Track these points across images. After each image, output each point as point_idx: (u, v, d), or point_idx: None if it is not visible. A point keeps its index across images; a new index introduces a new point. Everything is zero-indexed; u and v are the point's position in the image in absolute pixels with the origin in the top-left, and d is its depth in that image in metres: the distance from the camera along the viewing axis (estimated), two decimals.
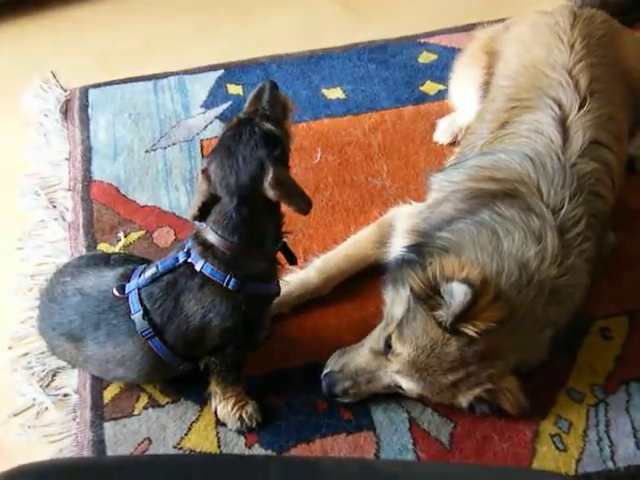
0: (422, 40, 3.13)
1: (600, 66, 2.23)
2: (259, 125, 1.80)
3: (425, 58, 3.05)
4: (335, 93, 2.92)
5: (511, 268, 1.88)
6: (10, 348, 2.26)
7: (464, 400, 1.94)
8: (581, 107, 2.12)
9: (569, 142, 2.08)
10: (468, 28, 2.88)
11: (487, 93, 2.46)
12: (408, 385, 1.94)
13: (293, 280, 2.24)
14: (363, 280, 2.32)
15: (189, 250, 1.89)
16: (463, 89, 2.65)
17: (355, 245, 2.33)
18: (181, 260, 1.89)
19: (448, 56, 3.00)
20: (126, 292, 1.91)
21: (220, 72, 3.03)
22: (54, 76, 3.06)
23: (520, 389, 1.92)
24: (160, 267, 1.91)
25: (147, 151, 2.73)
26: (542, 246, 1.93)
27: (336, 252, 2.32)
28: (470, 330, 1.79)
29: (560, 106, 2.13)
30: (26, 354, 2.22)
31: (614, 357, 2.15)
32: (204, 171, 1.82)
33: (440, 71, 2.95)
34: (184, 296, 1.88)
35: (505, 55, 2.44)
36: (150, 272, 1.91)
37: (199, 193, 1.83)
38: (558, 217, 1.97)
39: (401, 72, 2.99)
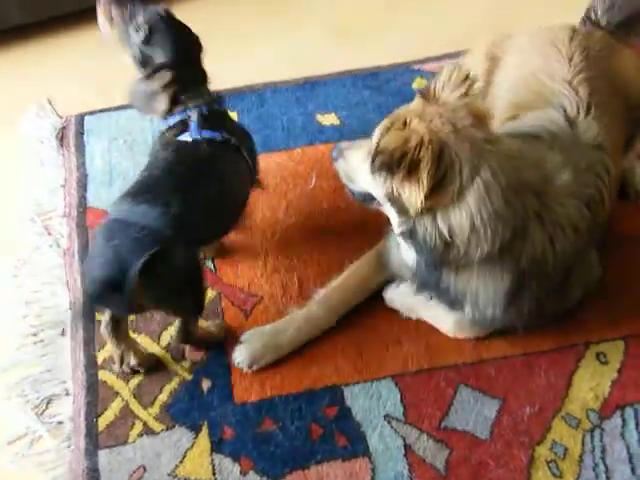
0: (416, 66, 3.15)
1: (598, 79, 2.25)
2: None
3: (419, 84, 3.07)
4: (330, 119, 2.94)
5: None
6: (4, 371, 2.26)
7: None
8: (587, 114, 2.15)
9: (579, 138, 2.12)
10: (461, 54, 2.90)
11: (485, 101, 2.47)
12: None
13: (298, 317, 2.24)
14: (359, 307, 2.32)
15: None
16: None
17: (355, 275, 2.33)
18: None
19: None
20: None
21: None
22: (50, 103, 3.08)
23: None
24: None
25: None
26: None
27: (337, 284, 2.31)
28: None
29: (565, 111, 2.16)
30: (21, 381, 2.22)
31: (610, 382, 2.15)
32: None
33: None
34: None
35: (505, 64, 2.46)
36: None
37: None
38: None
39: (395, 98, 3.00)
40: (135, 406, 2.14)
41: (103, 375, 2.21)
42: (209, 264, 2.42)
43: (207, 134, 2.16)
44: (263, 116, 2.98)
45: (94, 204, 2.66)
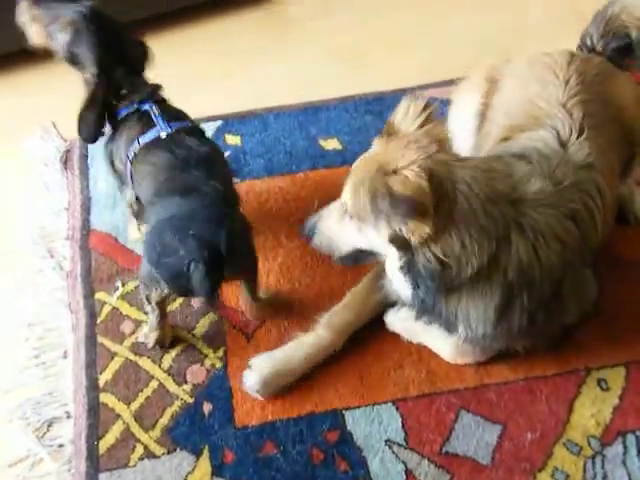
0: (417, 92, 3.18)
1: (593, 103, 2.26)
2: None
3: None
4: (332, 144, 2.96)
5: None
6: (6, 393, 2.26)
7: None
8: (579, 135, 2.16)
9: (568, 157, 2.12)
10: (461, 80, 2.92)
11: (483, 124, 2.50)
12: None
13: (305, 341, 2.24)
14: (361, 331, 2.32)
15: None
16: (461, 113, 2.67)
17: (358, 296, 2.33)
18: None
19: (442, 108, 3.04)
20: None
21: (219, 123, 3.08)
22: (54, 126, 3.11)
23: None
24: None
25: None
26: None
27: (341, 306, 2.31)
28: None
29: (558, 132, 2.17)
30: (22, 404, 2.22)
31: (611, 408, 2.15)
32: None
33: None
34: None
35: (503, 88, 2.48)
36: None
37: None
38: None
39: None
40: (136, 429, 2.14)
41: (104, 398, 2.21)
42: None
43: (176, 125, 2.27)
44: (266, 140, 3.00)
45: (97, 227, 2.68)
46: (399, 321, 2.29)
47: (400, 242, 1.90)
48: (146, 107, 2.32)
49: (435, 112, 2.02)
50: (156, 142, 2.26)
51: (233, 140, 3.00)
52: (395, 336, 2.30)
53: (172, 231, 2.02)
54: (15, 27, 3.23)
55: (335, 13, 3.81)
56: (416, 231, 1.85)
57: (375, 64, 3.41)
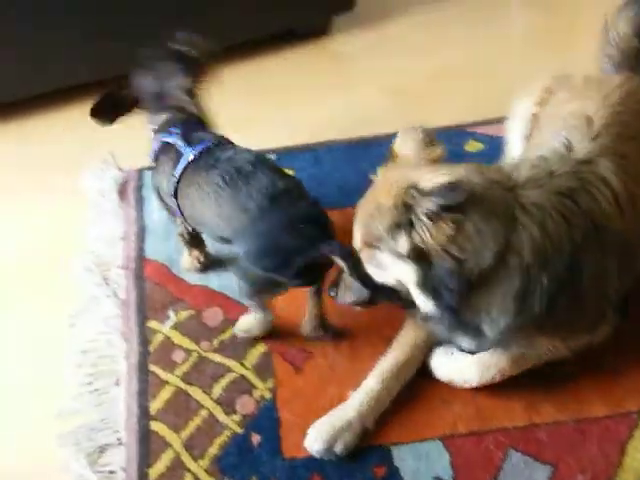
0: (469, 129, 3.20)
1: (626, 115, 2.26)
2: None
3: (472, 146, 3.12)
4: None
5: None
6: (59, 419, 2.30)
7: None
8: (592, 140, 2.16)
9: (570, 156, 2.14)
10: None
11: (531, 134, 2.52)
12: None
13: (358, 398, 2.20)
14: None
15: None
16: (514, 120, 2.71)
17: (405, 344, 2.31)
18: None
19: (494, 145, 3.06)
20: None
21: (272, 156, 3.12)
22: (112, 157, 3.19)
23: None
24: None
25: None
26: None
27: (390, 357, 2.28)
28: None
29: (569, 140, 2.18)
30: (75, 430, 2.26)
31: None
32: None
33: (486, 159, 2.98)
34: None
35: (552, 101, 2.50)
36: None
37: None
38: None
39: (448, 160, 3.02)
40: (186, 458, 2.16)
41: (155, 426, 2.24)
42: None
43: (200, 147, 2.39)
44: (318, 174, 3.04)
45: (152, 256, 2.73)
46: (438, 366, 2.28)
47: (417, 254, 1.93)
48: (169, 139, 2.44)
49: (432, 137, 2.13)
50: (193, 168, 2.36)
51: None
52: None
53: (286, 233, 2.14)
54: (74, 62, 3.37)
55: (388, 51, 3.87)
56: (439, 232, 1.88)
57: (426, 101, 3.44)
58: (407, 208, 1.91)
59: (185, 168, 2.37)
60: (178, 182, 2.38)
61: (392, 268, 2.05)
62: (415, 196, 1.89)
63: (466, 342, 2.19)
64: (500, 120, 3.16)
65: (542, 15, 4.15)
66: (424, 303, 2.06)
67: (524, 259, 1.96)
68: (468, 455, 2.12)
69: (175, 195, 2.40)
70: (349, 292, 2.21)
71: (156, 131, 2.54)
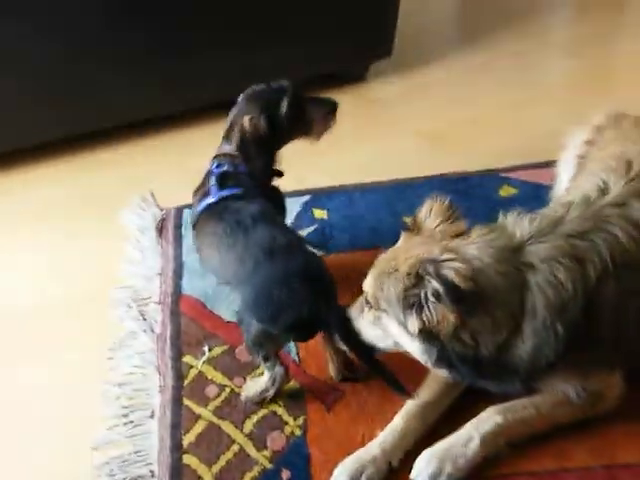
0: (503, 174, 3.24)
1: None
2: None
3: (506, 191, 3.15)
4: None
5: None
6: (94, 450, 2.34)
7: None
8: (627, 183, 2.17)
9: (606, 195, 2.15)
10: (549, 164, 2.96)
11: (578, 173, 2.55)
12: None
13: (385, 435, 2.21)
14: None
15: None
16: (565, 158, 2.75)
17: (434, 383, 2.33)
18: None
19: (528, 190, 3.10)
20: None
21: (307, 197, 3.20)
22: (152, 195, 3.28)
23: None
24: None
25: None
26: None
27: (420, 395, 2.29)
28: None
29: (605, 182, 2.19)
30: (110, 461, 2.29)
31: None
32: None
33: (520, 204, 3.00)
34: None
35: (601, 141, 2.53)
36: None
37: None
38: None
39: (482, 203, 3.07)
40: None
41: (187, 459, 2.26)
42: (293, 355, 2.49)
43: (226, 192, 2.50)
44: (352, 216, 3.09)
45: (188, 292, 2.79)
46: None
47: (427, 335, 1.98)
48: (212, 173, 2.56)
49: (456, 211, 2.16)
50: (209, 212, 2.48)
51: (320, 214, 3.11)
52: (471, 412, 2.28)
53: (278, 287, 2.16)
54: (114, 103, 3.49)
55: (423, 97, 3.95)
56: (447, 323, 1.92)
57: (461, 146, 3.50)
58: (419, 281, 1.95)
59: (205, 208, 2.49)
60: (197, 218, 2.52)
61: (399, 338, 2.11)
62: (429, 272, 1.93)
63: (492, 387, 2.20)
64: (533, 166, 3.22)
65: (577, 63, 4.21)
66: (436, 370, 2.13)
67: (538, 318, 1.99)
68: None
69: (193, 226, 2.55)
70: None
71: (215, 156, 2.63)
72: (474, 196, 3.13)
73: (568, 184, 2.61)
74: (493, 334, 1.99)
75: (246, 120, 2.56)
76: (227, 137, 2.63)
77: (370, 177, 3.29)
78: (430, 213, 2.17)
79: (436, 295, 1.91)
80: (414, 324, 1.97)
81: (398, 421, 2.23)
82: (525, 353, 2.02)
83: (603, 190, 2.18)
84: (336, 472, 2.14)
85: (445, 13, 5.02)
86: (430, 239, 2.09)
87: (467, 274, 1.92)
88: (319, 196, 3.22)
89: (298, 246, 2.33)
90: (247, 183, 2.53)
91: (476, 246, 2.02)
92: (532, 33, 4.55)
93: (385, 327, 2.13)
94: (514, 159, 3.32)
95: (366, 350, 2.21)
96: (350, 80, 4.03)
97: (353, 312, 2.24)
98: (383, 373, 2.21)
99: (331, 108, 2.67)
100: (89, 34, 3.36)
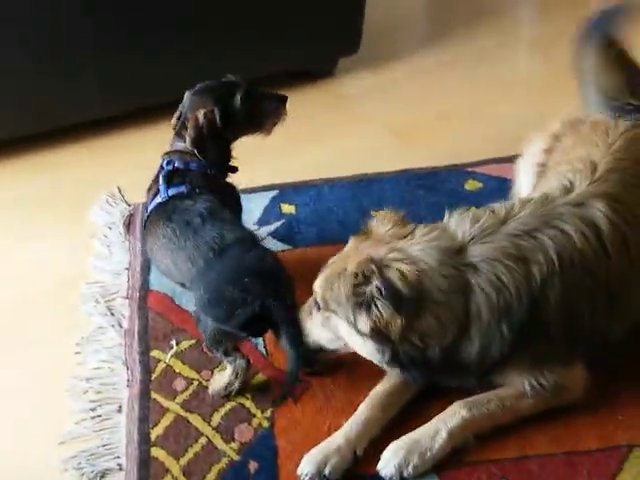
0: (469, 169, 3.28)
1: (630, 162, 2.32)
2: None
3: (471, 185, 3.19)
4: None
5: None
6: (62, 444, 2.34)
7: None
8: (590, 184, 2.22)
9: (568, 195, 2.20)
10: (513, 158, 3.00)
11: (539, 182, 2.57)
12: None
13: (350, 424, 2.23)
14: None
15: None
16: (523, 167, 2.78)
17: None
18: None
19: (493, 184, 3.14)
20: None
21: (275, 192, 3.21)
22: (120, 191, 3.29)
23: None
24: None
25: None
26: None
27: (382, 382, 2.32)
28: None
29: (571, 183, 2.24)
30: (77, 455, 2.30)
31: None
32: None
33: (485, 198, 3.03)
34: None
35: (559, 148, 2.57)
36: None
37: None
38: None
39: (448, 198, 3.10)
40: None
41: (155, 452, 2.27)
42: (260, 349, 2.51)
43: (174, 190, 2.52)
44: (320, 210, 3.12)
45: (155, 288, 2.80)
46: None
47: (378, 336, 2.03)
48: (162, 170, 2.59)
49: (406, 219, 2.22)
50: (158, 212, 2.50)
51: (288, 209, 3.13)
52: (432, 402, 2.31)
53: (230, 285, 2.18)
54: (83, 98, 3.48)
55: (391, 93, 3.98)
56: (394, 324, 1.98)
57: (428, 141, 3.53)
58: (366, 280, 2.00)
59: (155, 208, 2.52)
60: (148, 219, 2.53)
61: (349, 338, 2.15)
62: (374, 271, 1.99)
63: (449, 382, 2.26)
64: (499, 160, 3.26)
65: (545, 61, 4.26)
66: (387, 369, 2.20)
67: (483, 320, 2.05)
68: None
69: (144, 226, 2.56)
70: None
71: (165, 152, 2.65)
72: (440, 191, 3.17)
73: (530, 191, 2.63)
74: (440, 336, 2.05)
75: (200, 114, 2.54)
76: (179, 134, 2.63)
77: (338, 172, 3.31)
78: (382, 221, 2.21)
79: (380, 294, 1.97)
80: (364, 323, 2.03)
81: (362, 410, 2.25)
82: (473, 353, 2.09)
83: (568, 189, 2.23)
84: (302, 463, 2.17)
85: (413, 9, 5.05)
86: (378, 241, 2.14)
87: (411, 276, 1.98)
88: (287, 191, 3.24)
89: (249, 242, 2.33)
90: (195, 180, 2.53)
91: (420, 247, 2.07)
92: (499, 30, 4.59)
93: (335, 328, 2.17)
94: (481, 154, 3.36)
95: (301, 358, 2.22)
96: (318, 76, 4.05)
97: (302, 314, 2.27)
98: (288, 387, 2.25)
99: (281, 101, 2.69)
100: (52, 30, 3.35)
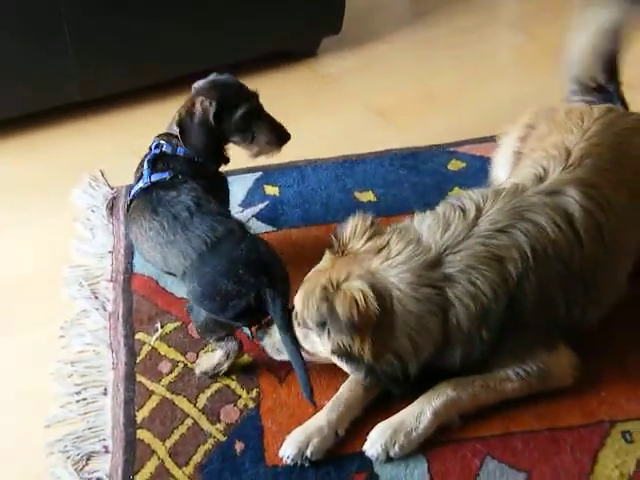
0: (452, 149, 3.28)
1: (604, 148, 2.33)
2: None
3: (454, 165, 3.20)
4: (367, 196, 3.06)
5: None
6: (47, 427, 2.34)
7: None
8: (563, 170, 2.24)
9: (541, 183, 2.22)
10: (495, 138, 3.00)
11: (516, 169, 2.56)
12: None
13: (330, 407, 2.24)
14: None
15: None
16: (499, 158, 2.78)
17: None
18: None
19: (476, 164, 3.15)
20: None
21: (259, 174, 3.21)
22: (102, 175, 3.27)
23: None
24: None
25: None
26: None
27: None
28: None
29: (544, 169, 2.26)
30: (63, 438, 2.30)
31: (635, 460, 2.15)
32: None
33: (468, 178, 3.08)
34: None
35: (535, 135, 2.57)
36: None
37: None
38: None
39: (431, 178, 3.13)
40: (170, 465, 2.20)
41: (141, 434, 2.28)
42: (246, 330, 2.52)
43: (158, 176, 2.49)
44: (303, 191, 3.12)
45: (139, 271, 2.79)
46: None
47: (347, 356, 2.07)
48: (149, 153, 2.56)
49: (379, 228, 2.19)
50: (141, 199, 2.48)
51: (271, 190, 3.13)
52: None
53: (224, 278, 2.19)
54: (63, 82, 3.45)
55: (374, 73, 3.97)
56: (361, 346, 2.01)
57: (411, 121, 3.53)
58: (334, 316, 2.01)
59: (137, 193, 2.49)
60: (130, 203, 2.51)
61: (327, 355, 2.17)
62: (327, 297, 2.02)
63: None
64: (482, 140, 3.27)
65: (526, 39, 4.26)
66: (366, 382, 2.21)
67: (464, 330, 2.08)
68: (445, 462, 2.17)
69: (127, 210, 2.54)
70: (274, 348, 2.32)
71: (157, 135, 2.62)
72: (423, 171, 3.18)
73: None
74: (417, 354, 2.08)
75: (199, 100, 2.51)
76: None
77: (321, 153, 3.31)
78: (354, 232, 2.19)
79: (341, 328, 1.99)
80: (326, 345, 2.09)
81: (344, 391, 2.27)
82: (455, 359, 2.13)
83: (541, 178, 2.24)
84: (284, 445, 2.18)
85: None
86: (352, 259, 2.14)
87: (363, 301, 1.98)
88: (271, 172, 3.23)
89: (240, 233, 2.32)
90: (179, 166, 2.51)
91: (395, 271, 2.07)
92: (482, 9, 4.58)
93: (312, 344, 2.20)
94: (463, 134, 3.37)
95: (295, 341, 2.22)
96: (301, 56, 4.04)
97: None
98: (302, 373, 2.21)
99: (280, 139, 2.61)
100: (30, 11, 3.31)
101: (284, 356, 2.27)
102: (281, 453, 2.17)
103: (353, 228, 2.20)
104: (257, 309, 2.21)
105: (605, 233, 2.21)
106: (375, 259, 2.10)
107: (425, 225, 2.16)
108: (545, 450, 2.18)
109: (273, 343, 2.30)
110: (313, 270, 2.23)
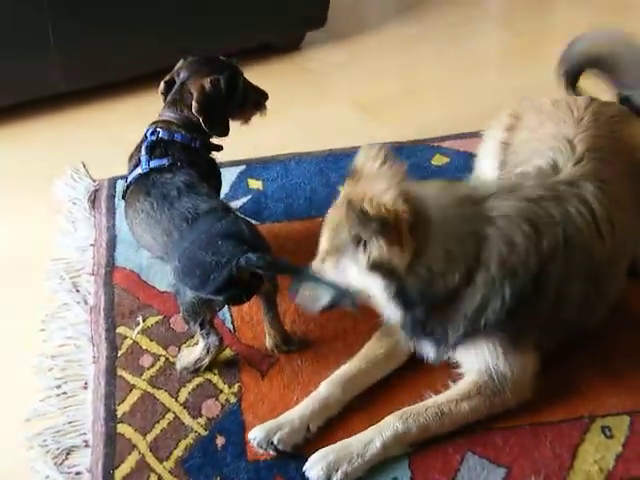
0: (436, 143, 3.29)
1: (602, 139, 2.36)
2: None
3: (438, 160, 3.20)
4: None
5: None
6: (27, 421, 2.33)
7: None
8: (576, 164, 2.26)
9: (553, 177, 2.24)
10: (479, 134, 3.01)
11: (504, 160, 2.60)
12: None
13: (309, 402, 2.24)
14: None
15: None
16: (485, 149, 2.78)
17: (368, 351, 2.37)
18: None
19: (460, 159, 3.15)
20: None
21: (242, 167, 3.20)
22: (84, 167, 3.25)
23: None
24: None
25: None
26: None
27: (349, 363, 2.33)
28: None
29: (555, 162, 2.27)
30: (43, 432, 2.28)
31: (614, 456, 2.16)
32: None
33: (452, 173, 3.08)
34: None
35: (523, 126, 2.59)
36: None
37: None
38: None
39: (415, 173, 3.03)
40: (151, 459, 2.19)
41: (122, 428, 2.27)
42: (228, 324, 2.51)
43: (156, 162, 2.48)
44: (287, 186, 3.11)
45: (121, 264, 2.78)
46: None
47: (383, 269, 2.01)
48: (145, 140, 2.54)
49: (389, 154, 2.19)
50: (138, 184, 2.48)
51: (255, 184, 3.12)
52: (405, 377, 2.35)
53: (202, 251, 2.17)
54: (45, 73, 3.42)
55: (358, 67, 3.97)
56: (396, 253, 1.97)
57: (395, 115, 3.53)
58: (365, 219, 1.96)
59: (135, 180, 2.48)
60: (127, 190, 2.51)
61: (357, 277, 2.12)
62: (364, 210, 1.96)
63: (428, 349, 2.26)
64: (466, 135, 3.27)
65: (511, 35, 4.27)
66: (390, 312, 2.15)
67: (490, 273, 2.05)
68: (426, 458, 2.17)
69: (123, 196, 2.54)
70: (309, 298, 2.27)
71: (153, 122, 2.61)
72: (407, 166, 3.15)
73: (498, 171, 2.64)
74: (447, 271, 2.02)
75: (207, 81, 2.51)
76: (173, 103, 2.59)
77: (305, 147, 3.30)
78: (367, 159, 2.18)
79: (374, 230, 1.95)
80: (361, 263, 2.03)
81: (322, 389, 2.27)
82: (472, 305, 2.08)
83: (554, 168, 2.26)
84: (255, 428, 2.18)
85: None
86: (372, 178, 2.12)
87: (391, 202, 1.96)
88: (254, 166, 3.22)
89: (222, 211, 2.31)
90: (178, 153, 2.51)
91: (434, 190, 2.09)
92: (468, 4, 4.59)
93: (344, 270, 2.14)
94: (448, 129, 3.37)
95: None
96: (285, 50, 4.03)
97: (315, 264, 2.23)
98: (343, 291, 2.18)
99: (264, 96, 2.71)
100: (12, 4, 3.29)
101: (323, 301, 2.24)
102: (250, 435, 2.18)
103: (364, 155, 2.20)
104: (242, 281, 2.18)
105: (617, 228, 2.23)
106: (406, 183, 2.10)
107: (472, 180, 2.24)
108: (525, 445, 2.19)
109: (307, 291, 2.26)
110: (338, 200, 2.21)
